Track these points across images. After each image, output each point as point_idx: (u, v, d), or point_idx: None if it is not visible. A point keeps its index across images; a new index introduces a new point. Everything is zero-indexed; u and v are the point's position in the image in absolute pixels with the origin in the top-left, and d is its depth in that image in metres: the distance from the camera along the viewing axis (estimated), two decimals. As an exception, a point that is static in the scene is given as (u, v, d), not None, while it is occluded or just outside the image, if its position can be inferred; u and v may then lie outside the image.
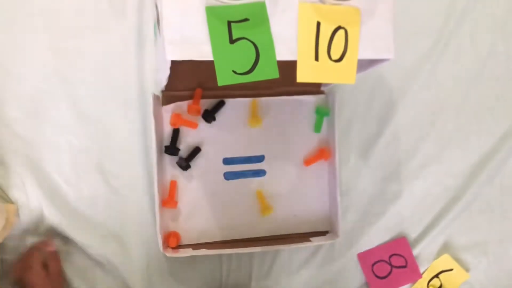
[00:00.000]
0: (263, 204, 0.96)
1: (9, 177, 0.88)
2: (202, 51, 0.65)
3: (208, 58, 0.65)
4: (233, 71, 0.66)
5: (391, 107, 1.05)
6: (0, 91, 0.89)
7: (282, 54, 0.67)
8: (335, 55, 0.69)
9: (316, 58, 0.69)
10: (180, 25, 0.65)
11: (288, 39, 0.67)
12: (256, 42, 0.66)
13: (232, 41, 0.66)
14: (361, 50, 0.70)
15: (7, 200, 0.88)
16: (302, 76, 0.69)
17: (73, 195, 0.91)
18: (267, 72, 0.67)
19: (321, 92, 1.00)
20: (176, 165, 0.93)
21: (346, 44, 0.69)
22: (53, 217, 0.89)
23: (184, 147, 0.94)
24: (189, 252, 0.88)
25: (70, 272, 0.91)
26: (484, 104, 1.09)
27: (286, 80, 0.95)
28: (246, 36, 0.66)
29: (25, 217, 0.89)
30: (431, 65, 1.06)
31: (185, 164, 0.92)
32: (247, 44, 0.66)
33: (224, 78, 0.66)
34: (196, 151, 0.94)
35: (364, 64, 0.79)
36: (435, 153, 1.06)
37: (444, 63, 1.07)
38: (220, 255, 0.96)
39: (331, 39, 0.69)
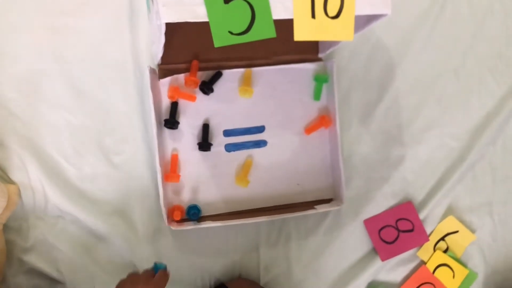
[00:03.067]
0: (243, 173, 0.96)
1: (9, 158, 0.88)
2: (196, 12, 0.64)
3: (203, 19, 0.64)
4: (229, 31, 0.65)
5: (390, 71, 1.04)
6: (-5, 72, 0.88)
7: (278, 12, 0.66)
8: (332, 11, 0.68)
9: (313, 16, 0.68)
10: (173, -14, 0.64)
11: (283, -3, 0.66)
12: (251, 1, 0.65)
13: (226, 0, 0.64)
14: (358, 6, 0.69)
15: (9, 181, 0.88)
16: (299, 34, 0.68)
17: (75, 173, 0.91)
18: (263, 31, 0.66)
19: (319, 59, 0.99)
20: (177, 139, 0.93)
21: (342, 0, 0.68)
22: (56, 197, 0.89)
23: (184, 120, 0.93)
24: (194, 225, 0.88)
25: (76, 250, 0.90)
26: (484, 64, 1.08)
27: (283, 48, 0.96)
28: (240, -4, 0.65)
29: (28, 198, 0.89)
30: (428, 27, 1.05)
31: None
32: (242, 4, 0.65)
33: (220, 39, 0.65)
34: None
35: (362, 23, 0.78)
36: (436, 116, 1.06)
37: (442, 24, 1.06)
38: (226, 227, 0.95)
39: (327, -4, 0.68)
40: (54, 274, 0.89)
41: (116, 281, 0.79)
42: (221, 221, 0.89)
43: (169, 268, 0.78)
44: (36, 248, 0.89)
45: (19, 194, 0.88)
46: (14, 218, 0.88)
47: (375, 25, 0.76)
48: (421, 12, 1.05)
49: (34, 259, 0.88)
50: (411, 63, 1.04)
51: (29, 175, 0.88)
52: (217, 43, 0.65)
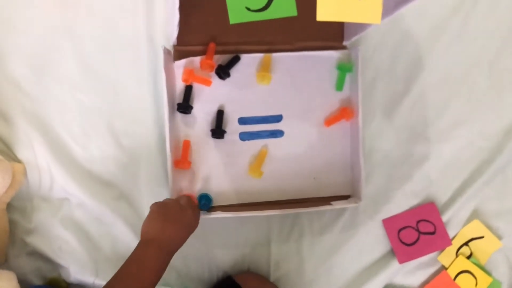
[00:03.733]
0: (257, 164, 0.91)
1: (16, 135, 0.85)
2: (212, -15, 0.60)
3: (218, -7, 0.60)
4: (247, 7, 0.61)
5: (418, 63, 0.98)
6: (6, 46, 0.86)
7: (301, -12, 0.61)
8: (359, -9, 0.63)
9: (338, -6, 0.62)
10: (188, -43, 0.60)
11: (307, -28, 0.62)
12: (271, -24, 0.61)
13: (245, -26, 0.60)
14: (388, -14, 0.64)
15: (14, 159, 0.85)
16: (323, 14, 0.62)
17: (82, 154, 0.88)
18: (283, 9, 0.62)
19: (344, 47, 0.94)
20: (189, 124, 0.89)
21: (371, -21, 0.63)
22: (62, 178, 0.86)
23: (198, 105, 0.89)
24: (203, 215, 0.84)
25: (79, 235, 0.88)
26: (520, 60, 1.01)
27: (306, 34, 0.92)
28: (260, -31, 0.60)
29: (33, 177, 0.86)
30: (462, 17, 0.98)
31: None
32: (262, -22, 0.61)
33: (236, 15, 0.61)
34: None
35: (391, 6, 0.72)
36: (466, 112, 0.99)
37: (477, 15, 0.99)
38: (236, 219, 0.92)
39: (354, -27, 0.63)
40: (56, 258, 0.86)
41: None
42: (232, 212, 0.85)
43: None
44: (39, 230, 0.86)
45: (25, 173, 0.85)
46: (18, 198, 0.86)
47: (405, 11, 0.71)
48: (456, 1, 0.98)
49: (37, 241, 0.86)
50: (441, 55, 0.98)
51: (35, 154, 0.86)
52: (232, 19, 0.61)
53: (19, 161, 0.85)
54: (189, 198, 0.77)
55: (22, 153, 0.86)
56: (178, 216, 0.71)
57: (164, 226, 0.69)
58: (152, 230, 0.69)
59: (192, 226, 0.73)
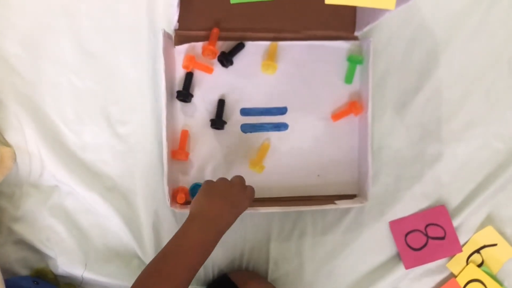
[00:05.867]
0: (258, 158, 0.87)
1: (6, 117, 0.82)
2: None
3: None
4: (249, -15, 0.56)
5: (433, 57, 0.93)
6: (-1, 24, 0.82)
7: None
8: (372, -29, 0.58)
9: (349, -25, 0.58)
10: None
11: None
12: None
13: None
14: (404, -32, 0.59)
15: (4, 142, 0.82)
16: (332, -5, 0.58)
17: (75, 141, 0.85)
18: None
19: (355, 38, 0.89)
20: (189, 113, 0.85)
21: (386, -41, 0.58)
22: (53, 164, 0.83)
23: (199, 93, 0.85)
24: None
25: (69, 225, 0.84)
26: (543, 58, 0.95)
27: (315, 22, 0.87)
28: None
29: (23, 163, 0.83)
30: (482, 11, 0.93)
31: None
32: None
33: (238, -7, 0.56)
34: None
35: (407, -8, 0.67)
36: (482, 112, 0.94)
37: (498, 10, 0.93)
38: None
39: (368, -48, 0.58)
40: (44, 248, 0.83)
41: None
42: (229, 208, 0.81)
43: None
44: (27, 218, 0.83)
45: (14, 158, 0.82)
46: (7, 184, 0.83)
47: (422, 0, 0.66)
48: (476, -7, 0.93)
49: (24, 230, 0.82)
50: (458, 51, 0.93)
51: (26, 139, 0.83)
52: (233, -1, 0.56)
53: (8, 145, 0.82)
54: (241, 177, 0.75)
55: (12, 137, 0.82)
56: (226, 193, 0.70)
57: (211, 201, 0.68)
58: (199, 205, 0.68)
59: (240, 205, 0.71)
